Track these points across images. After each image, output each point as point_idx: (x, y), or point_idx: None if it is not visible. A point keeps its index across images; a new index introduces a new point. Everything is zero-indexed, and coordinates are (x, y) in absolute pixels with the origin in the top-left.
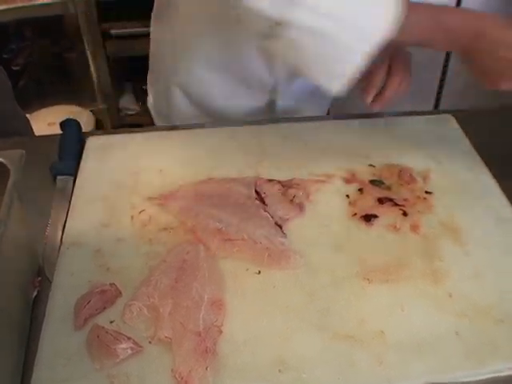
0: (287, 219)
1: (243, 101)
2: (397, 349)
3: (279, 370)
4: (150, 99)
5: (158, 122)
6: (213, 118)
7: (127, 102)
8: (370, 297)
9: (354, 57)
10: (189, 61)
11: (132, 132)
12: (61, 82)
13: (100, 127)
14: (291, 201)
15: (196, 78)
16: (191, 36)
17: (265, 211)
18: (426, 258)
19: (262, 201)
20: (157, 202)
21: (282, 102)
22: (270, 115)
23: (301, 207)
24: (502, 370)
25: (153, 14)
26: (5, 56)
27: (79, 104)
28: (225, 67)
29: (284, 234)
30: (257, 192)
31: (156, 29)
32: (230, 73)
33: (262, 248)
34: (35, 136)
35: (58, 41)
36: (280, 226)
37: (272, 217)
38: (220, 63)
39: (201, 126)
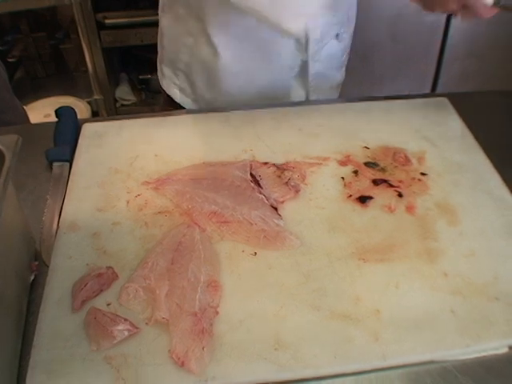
0: (282, 201)
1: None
2: (392, 326)
3: (275, 349)
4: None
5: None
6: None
7: (123, 93)
8: (365, 276)
9: None
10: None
11: (127, 119)
12: (56, 74)
13: None
14: (286, 183)
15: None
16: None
17: (260, 193)
18: (421, 238)
19: (257, 183)
20: (152, 186)
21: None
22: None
23: (296, 189)
24: (498, 347)
25: None
26: (0, 48)
27: (75, 95)
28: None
29: (279, 216)
30: (252, 175)
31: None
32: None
33: (257, 230)
34: (30, 124)
35: (53, 32)
36: (275, 208)
37: (267, 199)
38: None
39: (195, 111)
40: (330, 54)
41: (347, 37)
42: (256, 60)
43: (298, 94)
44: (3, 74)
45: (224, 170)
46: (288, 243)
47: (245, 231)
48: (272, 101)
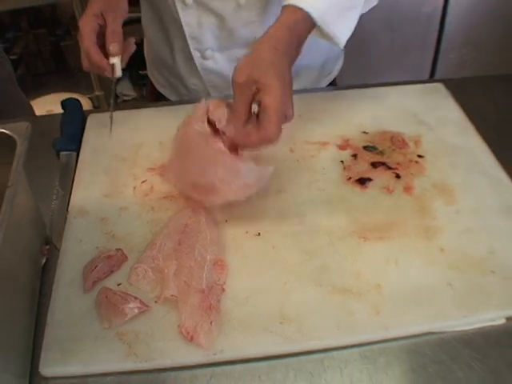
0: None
1: None
2: (393, 300)
3: (280, 322)
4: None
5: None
6: None
7: (124, 88)
8: (365, 253)
9: None
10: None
11: (130, 109)
12: (57, 71)
13: None
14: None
15: None
16: None
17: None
18: (419, 216)
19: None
20: (157, 172)
21: None
22: None
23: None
24: (495, 318)
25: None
26: (1, 45)
27: (76, 91)
28: None
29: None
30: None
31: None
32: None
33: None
34: (36, 116)
35: (54, 29)
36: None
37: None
38: None
39: (196, 101)
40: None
41: None
42: None
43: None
44: (9, 68)
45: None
46: (264, 178)
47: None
48: None
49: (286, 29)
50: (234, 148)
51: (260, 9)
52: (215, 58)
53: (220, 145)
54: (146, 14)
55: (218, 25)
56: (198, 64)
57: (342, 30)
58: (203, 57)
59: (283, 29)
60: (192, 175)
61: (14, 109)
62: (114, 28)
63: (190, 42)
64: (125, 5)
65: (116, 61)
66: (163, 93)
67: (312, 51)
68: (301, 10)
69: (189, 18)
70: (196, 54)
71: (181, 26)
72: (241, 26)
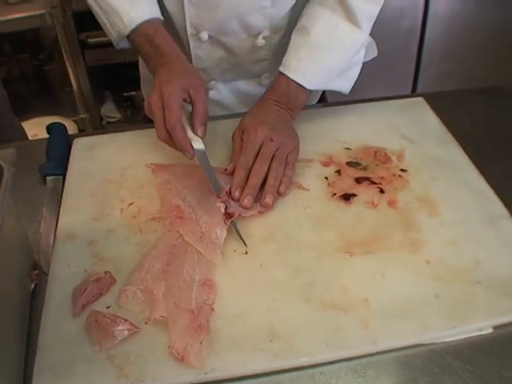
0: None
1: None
2: (380, 313)
3: (270, 340)
4: None
5: None
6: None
7: (108, 110)
8: (352, 268)
9: None
10: None
11: (115, 132)
12: (42, 95)
13: None
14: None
15: None
16: None
17: (222, 202)
18: (404, 230)
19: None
20: (151, 168)
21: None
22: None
23: (261, 210)
24: (482, 328)
25: None
26: None
27: (61, 114)
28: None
29: (224, 227)
30: None
31: None
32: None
33: (200, 231)
34: (23, 140)
35: (37, 53)
36: (230, 216)
37: (227, 208)
38: None
39: None
40: None
41: None
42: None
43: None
44: (2, 92)
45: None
46: (211, 254)
47: (191, 229)
48: None
49: (279, 97)
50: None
51: (275, 48)
52: (218, 89)
53: (222, 207)
54: None
55: (229, 60)
56: None
57: (343, 84)
58: None
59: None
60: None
61: (7, 132)
62: (205, 108)
63: None
64: (204, 81)
65: (200, 146)
66: None
67: None
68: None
69: (200, 51)
70: None
71: (189, 56)
72: (251, 63)
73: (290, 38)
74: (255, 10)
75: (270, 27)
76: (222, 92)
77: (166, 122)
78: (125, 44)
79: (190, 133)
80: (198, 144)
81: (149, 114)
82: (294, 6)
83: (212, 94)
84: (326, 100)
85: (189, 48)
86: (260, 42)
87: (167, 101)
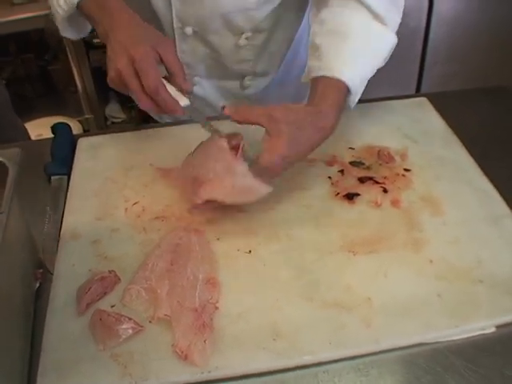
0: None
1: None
2: (383, 312)
3: (273, 339)
4: None
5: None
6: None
7: (113, 110)
8: (355, 267)
9: None
10: None
11: (120, 132)
12: (46, 95)
13: None
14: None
15: None
16: None
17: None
18: (407, 229)
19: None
20: (160, 174)
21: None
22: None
23: None
24: (485, 327)
25: None
26: None
27: (66, 115)
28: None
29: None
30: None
31: None
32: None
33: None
34: (28, 140)
35: (42, 54)
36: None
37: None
38: None
39: (185, 122)
40: None
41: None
42: None
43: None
44: (5, 92)
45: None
46: (256, 193)
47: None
48: None
49: (338, 110)
50: (236, 148)
51: (258, 49)
52: (202, 85)
53: (224, 143)
54: None
55: (213, 57)
56: None
57: (358, 98)
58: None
59: (336, 110)
60: (194, 170)
61: (10, 132)
62: (180, 63)
63: None
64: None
65: (187, 102)
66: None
67: None
68: (344, 84)
69: (185, 46)
70: None
71: None
72: (235, 63)
73: (273, 40)
74: (239, 10)
75: (252, 28)
76: (205, 88)
77: (145, 87)
78: (71, 30)
79: (171, 92)
80: (184, 101)
81: (116, 85)
82: (278, 8)
83: (196, 89)
84: None
85: (174, 42)
86: (242, 41)
87: (141, 64)
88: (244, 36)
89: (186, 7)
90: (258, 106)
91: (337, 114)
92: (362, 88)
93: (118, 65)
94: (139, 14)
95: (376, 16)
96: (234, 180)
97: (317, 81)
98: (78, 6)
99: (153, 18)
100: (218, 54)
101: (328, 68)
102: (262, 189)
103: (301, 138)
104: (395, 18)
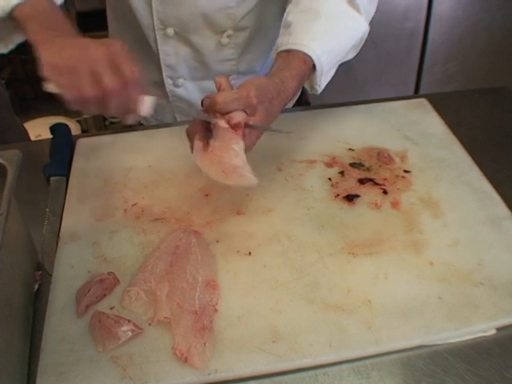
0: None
1: None
2: (384, 315)
3: (273, 341)
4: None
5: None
6: None
7: None
8: (355, 269)
9: None
10: None
11: (119, 132)
12: (45, 95)
13: None
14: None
15: None
16: None
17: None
18: (406, 231)
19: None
20: None
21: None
22: None
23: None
24: (485, 329)
25: None
26: None
27: (65, 115)
28: None
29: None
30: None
31: None
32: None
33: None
34: (27, 141)
35: None
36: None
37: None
38: None
39: (184, 123)
40: None
41: None
42: None
43: None
44: (4, 93)
45: None
46: (241, 178)
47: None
48: None
49: (299, 80)
50: (236, 127)
51: (241, 48)
52: (185, 86)
53: (223, 122)
54: (114, 36)
55: (195, 58)
56: (168, 90)
57: (325, 81)
58: (175, 84)
59: (297, 80)
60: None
61: (10, 134)
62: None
63: (163, 69)
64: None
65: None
66: None
67: None
68: (311, 59)
69: (167, 48)
70: (168, 81)
71: (157, 52)
72: (218, 62)
73: (255, 39)
74: (219, 8)
75: (234, 26)
76: (189, 90)
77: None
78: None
79: None
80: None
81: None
82: (259, 6)
83: (179, 91)
84: (308, 102)
85: (156, 44)
86: (224, 40)
87: (117, 55)
88: (225, 34)
89: (166, 8)
90: (230, 92)
91: (298, 84)
92: (330, 70)
93: (95, 52)
94: (120, 18)
95: (351, 2)
96: (226, 155)
97: (284, 53)
98: (13, 13)
99: (133, 22)
100: (200, 54)
101: (296, 43)
102: (249, 177)
103: (271, 111)
104: (370, 9)
